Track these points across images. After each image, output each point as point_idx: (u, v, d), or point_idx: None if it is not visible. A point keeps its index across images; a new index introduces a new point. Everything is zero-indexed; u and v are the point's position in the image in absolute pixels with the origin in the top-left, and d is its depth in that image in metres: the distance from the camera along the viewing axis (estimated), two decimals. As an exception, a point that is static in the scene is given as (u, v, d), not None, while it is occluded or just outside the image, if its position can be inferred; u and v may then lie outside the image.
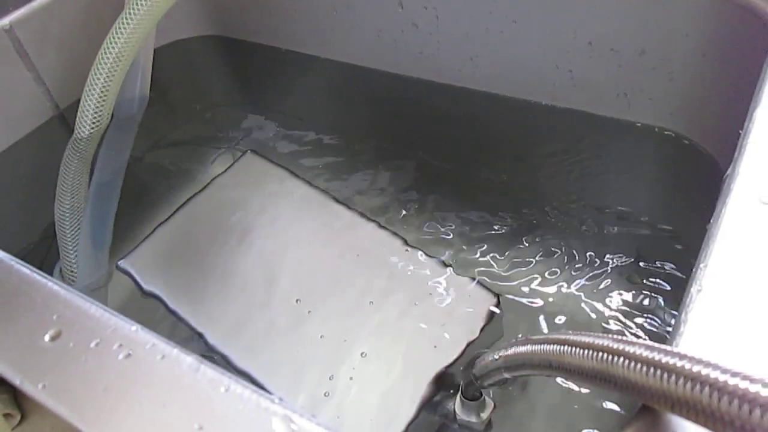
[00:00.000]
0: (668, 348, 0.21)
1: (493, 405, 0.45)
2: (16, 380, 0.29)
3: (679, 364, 0.20)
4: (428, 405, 0.47)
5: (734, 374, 0.19)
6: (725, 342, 0.25)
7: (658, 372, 0.21)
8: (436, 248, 0.61)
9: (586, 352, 0.25)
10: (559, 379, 0.51)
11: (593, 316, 0.56)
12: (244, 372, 0.51)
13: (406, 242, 0.57)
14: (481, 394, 0.44)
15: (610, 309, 0.56)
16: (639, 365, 0.22)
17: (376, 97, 0.73)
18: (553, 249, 0.61)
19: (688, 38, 0.50)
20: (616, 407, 0.50)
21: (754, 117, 0.34)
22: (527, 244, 0.62)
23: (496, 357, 0.34)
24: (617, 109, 0.57)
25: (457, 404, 0.45)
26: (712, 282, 0.27)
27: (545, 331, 0.55)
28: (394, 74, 0.68)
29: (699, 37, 0.50)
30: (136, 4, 0.51)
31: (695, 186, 0.55)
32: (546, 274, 0.59)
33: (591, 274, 0.58)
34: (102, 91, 0.53)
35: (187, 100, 0.81)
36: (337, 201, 0.61)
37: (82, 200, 0.57)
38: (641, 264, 0.58)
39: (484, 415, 0.45)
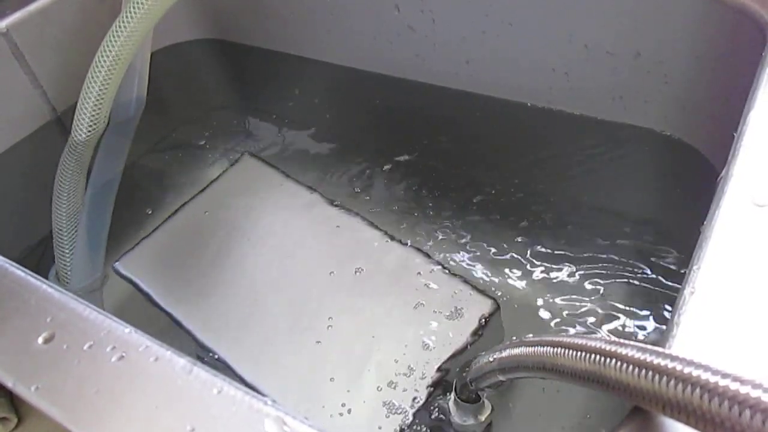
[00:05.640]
0: (660, 350, 0.21)
1: (491, 408, 0.45)
2: (9, 383, 0.29)
3: (670, 365, 0.20)
4: (424, 408, 0.46)
5: (725, 376, 0.19)
6: (718, 344, 0.25)
7: (650, 374, 0.21)
8: (433, 250, 0.61)
9: (579, 353, 0.25)
10: (552, 381, 0.51)
11: (589, 317, 0.56)
12: (238, 373, 0.51)
13: (403, 244, 0.57)
14: (479, 397, 0.43)
15: (605, 310, 0.56)
16: (631, 367, 0.22)
17: (373, 100, 0.73)
18: (549, 250, 0.61)
19: (683, 41, 0.50)
20: (608, 409, 0.50)
21: (748, 119, 0.34)
22: (525, 246, 0.62)
23: (491, 359, 0.34)
24: (613, 111, 0.57)
25: (452, 407, 0.45)
26: (705, 284, 0.27)
27: (542, 332, 0.55)
28: (391, 77, 0.68)
29: (694, 40, 0.50)
30: (133, 7, 0.51)
31: (689, 188, 0.55)
32: (543, 276, 0.59)
33: (587, 275, 0.58)
34: (99, 95, 0.53)
35: (185, 103, 0.81)
36: (334, 203, 0.61)
37: (79, 204, 0.57)
38: (636, 265, 0.58)
39: (482, 418, 0.45)
